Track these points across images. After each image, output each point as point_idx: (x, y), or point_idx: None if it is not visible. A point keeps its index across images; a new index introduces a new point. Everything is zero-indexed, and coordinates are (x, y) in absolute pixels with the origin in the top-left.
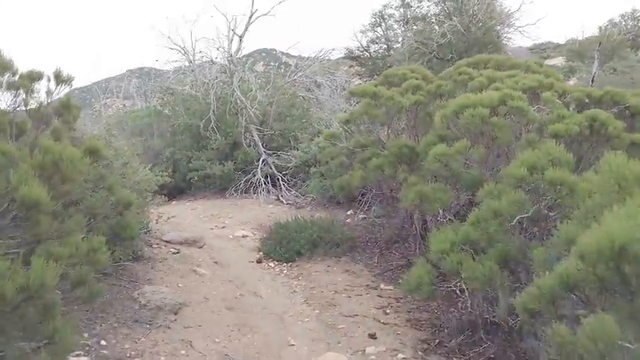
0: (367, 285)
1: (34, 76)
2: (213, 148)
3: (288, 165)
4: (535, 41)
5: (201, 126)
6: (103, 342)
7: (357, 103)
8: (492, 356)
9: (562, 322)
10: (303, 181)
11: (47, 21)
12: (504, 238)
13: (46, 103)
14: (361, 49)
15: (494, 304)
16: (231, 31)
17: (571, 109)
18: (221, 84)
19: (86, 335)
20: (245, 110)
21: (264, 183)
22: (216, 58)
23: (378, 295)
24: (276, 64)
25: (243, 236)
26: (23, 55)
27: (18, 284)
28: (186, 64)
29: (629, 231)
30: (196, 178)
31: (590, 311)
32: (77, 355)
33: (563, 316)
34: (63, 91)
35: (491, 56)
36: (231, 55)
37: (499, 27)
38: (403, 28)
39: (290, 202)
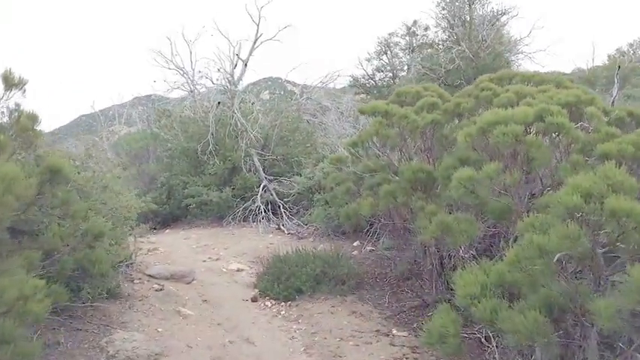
0: (377, 330)
1: None
2: (210, 173)
3: (290, 192)
4: (544, 68)
5: (199, 150)
6: None
7: (364, 127)
8: None
9: None
10: (306, 209)
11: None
12: (550, 281)
13: None
14: (366, 77)
15: (531, 357)
16: (235, 56)
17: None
18: (221, 106)
19: None
20: (245, 133)
21: (264, 211)
22: (217, 80)
23: (391, 344)
24: (282, 92)
25: (238, 270)
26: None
27: None
28: (185, 85)
29: None
30: (192, 204)
31: None
32: None
33: None
34: (13, 97)
35: (517, 71)
36: (231, 76)
37: (508, 53)
38: (409, 56)
39: (291, 231)
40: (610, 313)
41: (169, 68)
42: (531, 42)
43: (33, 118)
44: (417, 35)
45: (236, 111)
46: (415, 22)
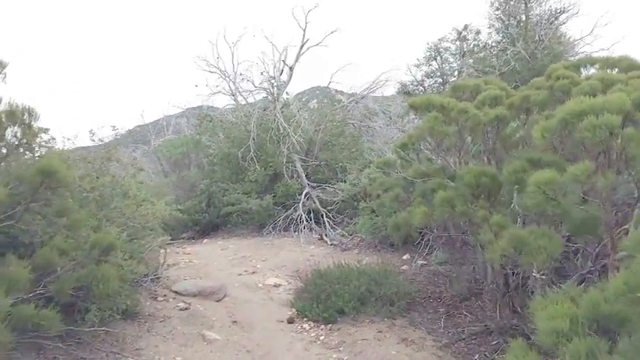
0: None
1: None
2: (251, 180)
3: (334, 199)
4: None
5: (240, 155)
6: None
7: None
8: None
9: None
10: (351, 219)
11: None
12: None
13: None
14: (415, 84)
15: None
16: (282, 62)
17: None
18: (262, 109)
19: None
20: (288, 138)
21: (307, 220)
22: (261, 83)
23: None
24: (329, 100)
25: (275, 285)
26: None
27: None
28: (227, 89)
29: None
30: (232, 213)
31: None
32: None
33: None
34: None
35: (596, 57)
36: (274, 78)
37: (567, 54)
38: (460, 61)
39: (335, 242)
40: None
41: (211, 72)
42: (594, 41)
43: (26, 112)
44: (468, 40)
45: (278, 114)
46: (466, 26)
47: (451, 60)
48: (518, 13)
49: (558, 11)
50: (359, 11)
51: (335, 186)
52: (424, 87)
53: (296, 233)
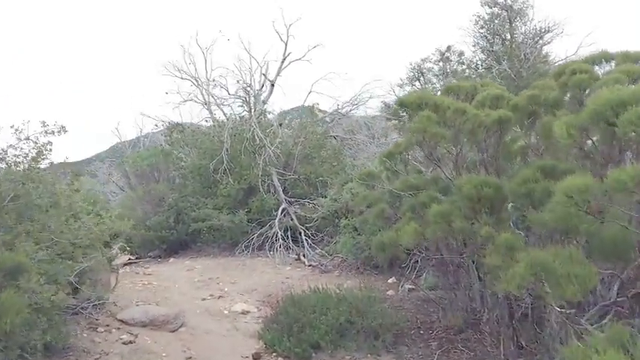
0: None
1: None
2: (223, 195)
3: (313, 216)
4: None
5: (212, 168)
6: None
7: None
8: None
9: None
10: (331, 237)
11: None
12: None
13: None
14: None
15: None
16: (262, 75)
17: None
18: (238, 118)
19: None
20: (264, 149)
21: (283, 238)
22: (236, 91)
23: None
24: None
25: (242, 312)
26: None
27: None
28: (199, 96)
29: None
30: (202, 229)
31: None
32: None
33: None
34: None
35: (613, 52)
36: (249, 86)
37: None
38: (443, 82)
39: (313, 263)
40: None
41: (182, 78)
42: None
43: None
44: (452, 61)
45: (254, 124)
46: (449, 47)
47: (434, 81)
48: (503, 31)
49: (543, 30)
50: (341, 26)
51: (314, 201)
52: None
53: (271, 252)
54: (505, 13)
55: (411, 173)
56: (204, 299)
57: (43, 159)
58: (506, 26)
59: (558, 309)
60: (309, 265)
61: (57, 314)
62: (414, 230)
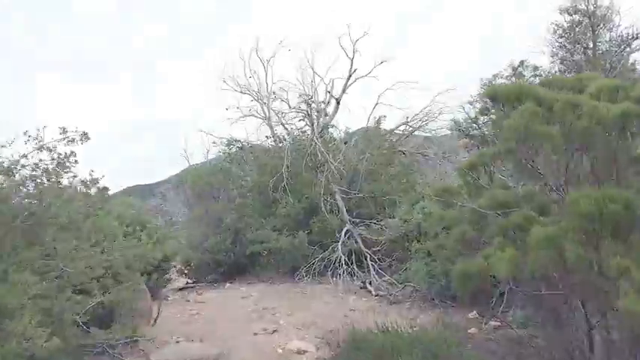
0: None
1: None
2: (282, 215)
3: (381, 239)
4: None
5: (271, 185)
6: None
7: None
8: None
9: None
10: (401, 263)
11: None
12: None
13: None
14: (469, 121)
15: None
16: (327, 93)
17: None
18: (299, 133)
19: None
20: (326, 166)
21: (347, 263)
22: (297, 105)
23: None
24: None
25: (298, 352)
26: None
27: None
28: (259, 112)
29: None
30: (260, 252)
31: None
32: None
33: None
34: None
35: None
36: (311, 98)
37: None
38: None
39: (381, 292)
40: None
41: (242, 92)
42: None
43: None
44: (525, 76)
45: (316, 139)
46: (522, 62)
47: None
48: (585, 40)
49: (631, 37)
50: (408, 42)
51: (381, 222)
52: (478, 125)
53: (334, 279)
54: (587, 20)
55: (496, 188)
56: (255, 334)
57: (66, 172)
58: (589, 34)
59: None
60: (376, 295)
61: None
62: (512, 258)
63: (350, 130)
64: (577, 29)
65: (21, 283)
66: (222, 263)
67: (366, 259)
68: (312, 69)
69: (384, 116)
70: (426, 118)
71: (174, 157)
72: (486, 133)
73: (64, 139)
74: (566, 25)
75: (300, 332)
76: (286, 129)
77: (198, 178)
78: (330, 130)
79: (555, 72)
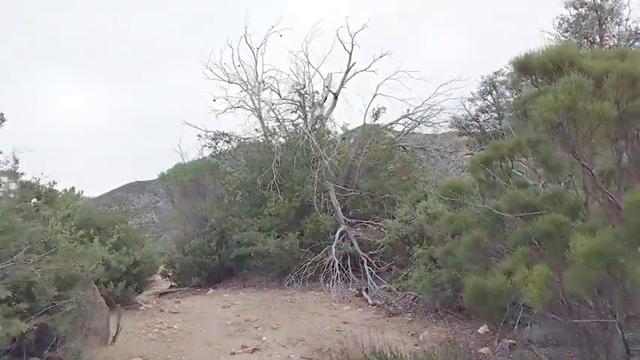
0: None
1: None
2: (271, 214)
3: (379, 241)
4: None
5: (259, 182)
6: None
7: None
8: None
9: None
10: (402, 268)
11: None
12: None
13: None
14: (469, 119)
15: None
16: (325, 88)
17: None
18: (291, 126)
19: None
20: (320, 161)
21: (341, 268)
22: (289, 94)
23: None
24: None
25: None
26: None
27: None
28: (248, 103)
29: None
30: (246, 256)
31: None
32: None
33: None
34: None
35: None
36: (304, 87)
37: None
38: (516, 96)
39: (378, 301)
40: None
41: (230, 81)
42: None
43: None
44: None
45: (309, 132)
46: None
47: (507, 94)
48: (592, 34)
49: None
50: (407, 38)
51: (380, 223)
52: (479, 122)
53: (327, 285)
54: (594, 14)
55: (514, 187)
56: (233, 353)
57: None
58: (596, 28)
59: None
60: (373, 304)
61: None
62: (545, 278)
63: (348, 127)
64: (583, 23)
65: None
66: (206, 266)
67: (362, 264)
68: (307, 57)
69: (384, 108)
70: (429, 110)
71: (170, 154)
72: (487, 130)
73: None
74: (571, 19)
75: (285, 351)
76: (278, 120)
77: (182, 174)
78: (326, 124)
79: None
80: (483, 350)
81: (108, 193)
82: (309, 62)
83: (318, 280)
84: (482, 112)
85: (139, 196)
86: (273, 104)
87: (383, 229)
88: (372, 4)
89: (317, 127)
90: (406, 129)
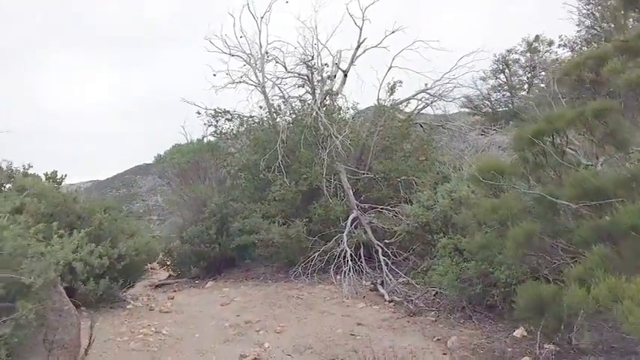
0: None
1: None
2: (276, 199)
3: (395, 229)
4: None
5: (263, 164)
6: None
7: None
8: None
9: None
10: (422, 258)
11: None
12: None
13: None
14: (481, 98)
15: None
16: (335, 65)
17: None
18: (297, 102)
19: None
20: (330, 140)
21: (353, 258)
22: (295, 66)
23: None
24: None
25: None
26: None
27: None
28: (252, 78)
29: None
30: (248, 245)
31: None
32: None
33: None
34: None
35: None
36: (312, 59)
37: None
38: (530, 74)
39: (396, 297)
40: None
41: (232, 54)
42: None
43: None
44: (540, 52)
45: (318, 109)
46: (537, 37)
47: (520, 73)
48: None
49: None
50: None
51: (396, 209)
52: (490, 101)
53: (338, 278)
54: None
55: (584, 165)
56: None
57: None
58: None
59: None
60: (391, 301)
61: None
62: None
63: (359, 106)
64: None
65: None
66: (205, 256)
67: (377, 254)
68: (315, 29)
69: (400, 82)
70: (448, 84)
71: (176, 136)
72: (499, 110)
73: None
74: None
75: (291, 359)
76: (283, 96)
77: (180, 156)
78: (337, 101)
79: (580, 40)
80: None
81: (120, 175)
82: (317, 35)
83: (328, 272)
84: (495, 91)
85: (146, 178)
86: (278, 78)
87: (400, 215)
88: None
89: (327, 103)
90: (423, 105)
